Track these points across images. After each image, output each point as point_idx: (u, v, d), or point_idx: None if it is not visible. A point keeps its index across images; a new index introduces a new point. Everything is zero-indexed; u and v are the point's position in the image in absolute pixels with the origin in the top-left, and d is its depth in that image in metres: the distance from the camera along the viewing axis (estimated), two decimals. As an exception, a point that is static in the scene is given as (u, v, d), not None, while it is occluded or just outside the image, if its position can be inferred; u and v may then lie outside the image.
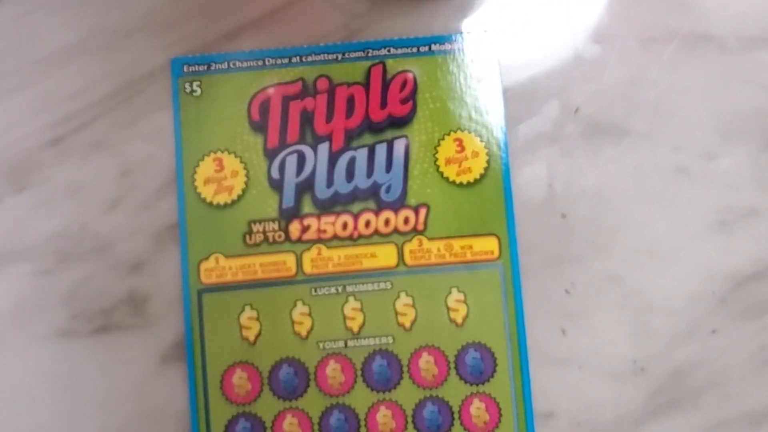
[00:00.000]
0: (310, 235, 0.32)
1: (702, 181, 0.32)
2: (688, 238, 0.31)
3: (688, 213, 0.31)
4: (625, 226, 0.31)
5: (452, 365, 0.31)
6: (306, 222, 0.32)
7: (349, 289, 0.31)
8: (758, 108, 0.31)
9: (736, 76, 0.32)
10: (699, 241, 0.31)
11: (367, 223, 0.31)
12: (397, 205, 0.31)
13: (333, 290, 0.31)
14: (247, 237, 0.32)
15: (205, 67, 0.32)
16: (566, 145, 0.32)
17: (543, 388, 0.31)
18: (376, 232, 0.31)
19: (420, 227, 0.31)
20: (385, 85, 0.31)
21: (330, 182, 0.32)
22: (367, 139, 0.31)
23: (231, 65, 0.32)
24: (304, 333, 0.31)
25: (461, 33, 0.32)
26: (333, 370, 0.31)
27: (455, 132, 0.32)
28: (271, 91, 0.32)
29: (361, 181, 0.31)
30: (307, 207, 0.32)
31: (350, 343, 0.31)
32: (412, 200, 0.31)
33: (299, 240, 0.32)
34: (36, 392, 0.32)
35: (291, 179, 0.32)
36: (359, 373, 0.31)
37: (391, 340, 0.31)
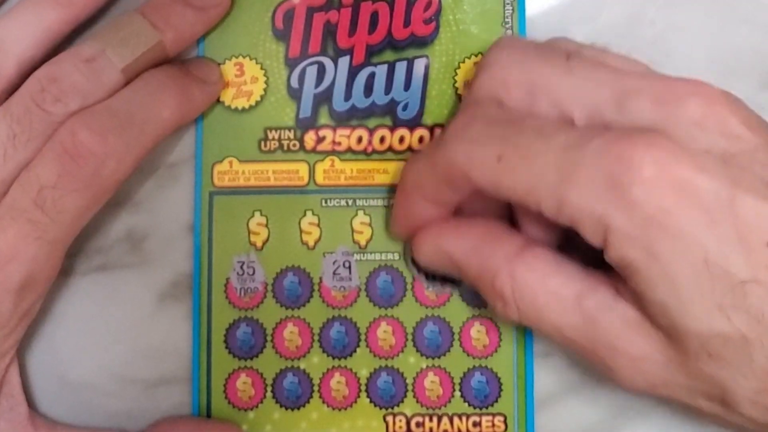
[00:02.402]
0: (324, 146, 0.32)
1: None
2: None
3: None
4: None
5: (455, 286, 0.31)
6: (321, 133, 0.32)
7: (359, 202, 0.32)
8: (756, 48, 0.32)
9: (734, 15, 0.32)
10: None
11: (382, 139, 0.32)
12: (413, 124, 0.32)
13: (343, 203, 0.32)
14: (262, 143, 0.32)
15: (232, -28, 0.32)
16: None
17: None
18: (390, 148, 0.32)
19: (434, 147, 0.32)
20: (410, 3, 0.32)
21: (348, 96, 0.32)
22: (388, 56, 0.32)
23: (258, -28, 0.32)
24: (311, 243, 0.32)
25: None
26: (337, 282, 0.31)
27: (476, 56, 0.32)
28: (296, 0, 0.32)
29: (378, 97, 0.32)
30: (324, 118, 0.32)
31: (356, 257, 0.31)
32: (428, 120, 0.32)
33: (313, 150, 0.32)
34: (32, 330, 0.32)
35: (310, 90, 0.32)
36: (363, 287, 0.31)
37: (396, 257, 0.32)
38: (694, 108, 0.24)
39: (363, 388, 0.31)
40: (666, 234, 0.23)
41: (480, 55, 0.32)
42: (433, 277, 0.31)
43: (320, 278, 0.31)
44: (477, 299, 0.31)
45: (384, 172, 0.32)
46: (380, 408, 0.31)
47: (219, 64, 0.32)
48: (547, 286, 0.26)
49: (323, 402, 0.31)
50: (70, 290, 0.32)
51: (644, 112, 0.24)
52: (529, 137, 0.25)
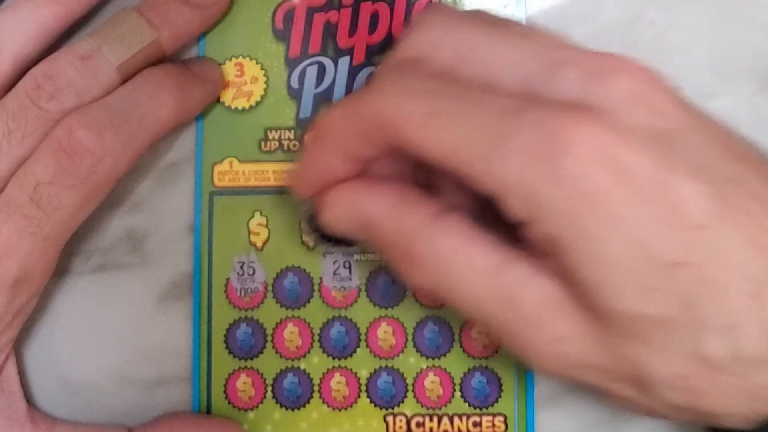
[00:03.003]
0: (324, 146, 0.32)
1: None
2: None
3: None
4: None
5: (456, 286, 0.31)
6: (322, 133, 0.32)
7: (359, 203, 0.32)
8: (756, 48, 0.31)
9: (734, 15, 0.32)
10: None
11: (382, 139, 0.32)
12: (414, 124, 0.32)
13: (344, 203, 0.32)
14: (263, 144, 0.32)
15: (232, -27, 0.32)
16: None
17: None
18: (391, 148, 0.32)
19: (434, 147, 0.32)
20: (410, 3, 0.32)
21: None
22: (389, 56, 0.32)
23: (258, -28, 0.32)
24: (311, 243, 0.32)
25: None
26: (337, 283, 0.31)
27: (476, 56, 0.32)
28: (296, 1, 0.32)
29: (379, 97, 0.32)
30: (324, 119, 0.32)
31: (357, 257, 0.31)
32: (428, 120, 0.32)
33: (314, 150, 0.32)
34: (32, 330, 0.32)
35: (310, 90, 0.32)
36: (363, 287, 0.31)
37: (397, 257, 0.31)
38: (624, 83, 0.23)
39: (363, 388, 0.31)
40: (597, 211, 0.22)
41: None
42: (325, 236, 0.30)
43: (320, 278, 0.31)
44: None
45: (384, 172, 0.32)
46: (380, 408, 0.31)
47: (220, 64, 0.32)
48: (466, 254, 0.24)
49: (323, 402, 0.31)
50: (70, 290, 0.32)
51: (575, 85, 0.23)
52: (463, 97, 0.24)
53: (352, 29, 0.32)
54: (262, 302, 0.31)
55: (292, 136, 0.32)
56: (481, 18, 0.26)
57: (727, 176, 0.23)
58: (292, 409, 0.31)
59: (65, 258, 0.32)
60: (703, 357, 0.23)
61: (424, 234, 0.25)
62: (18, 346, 0.31)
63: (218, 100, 0.32)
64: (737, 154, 0.24)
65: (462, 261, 0.24)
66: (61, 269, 0.31)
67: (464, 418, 0.31)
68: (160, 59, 0.30)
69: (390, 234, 0.25)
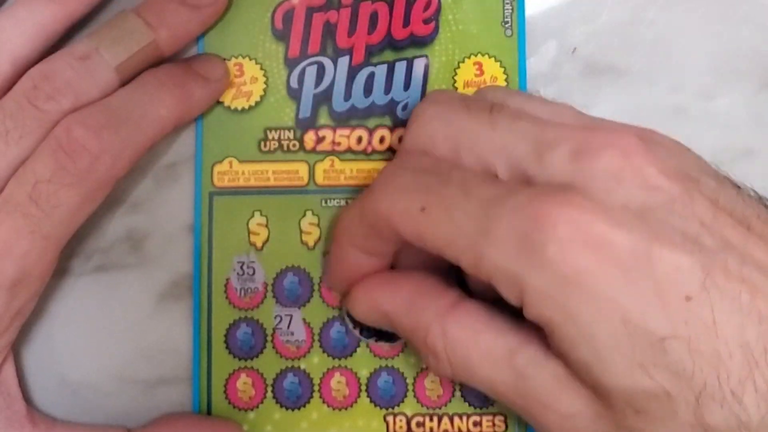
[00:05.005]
0: (324, 146, 0.32)
1: (699, 121, 0.32)
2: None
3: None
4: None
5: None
6: (321, 133, 0.32)
7: (359, 203, 0.32)
8: (756, 48, 0.31)
9: (734, 15, 0.32)
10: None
11: (382, 139, 0.32)
12: (413, 124, 0.32)
13: (343, 203, 0.32)
14: (262, 144, 0.32)
15: (231, -27, 0.32)
16: (564, 85, 0.32)
17: None
18: (390, 148, 0.32)
19: (434, 147, 0.32)
20: (410, 3, 0.32)
21: (348, 96, 0.32)
22: (388, 56, 0.32)
23: (257, -27, 0.32)
24: (311, 243, 0.32)
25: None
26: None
27: (476, 56, 0.32)
28: (295, 1, 0.32)
29: (378, 97, 0.32)
30: (324, 118, 0.32)
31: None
32: (428, 120, 0.32)
33: (313, 150, 0.32)
34: (32, 331, 0.32)
35: (309, 90, 0.32)
36: (363, 287, 0.31)
37: (396, 257, 0.31)
38: (609, 160, 0.23)
39: (363, 388, 0.31)
40: (582, 294, 0.22)
41: (480, 55, 0.32)
42: (368, 330, 0.31)
43: (320, 278, 0.31)
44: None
45: (384, 172, 0.32)
46: (380, 408, 0.31)
47: (224, 60, 0.32)
48: (478, 342, 0.25)
49: (323, 402, 0.31)
50: (70, 290, 0.32)
51: (562, 165, 0.24)
52: (452, 189, 0.24)
53: (352, 29, 0.32)
54: (262, 302, 0.31)
55: (291, 136, 0.32)
56: (475, 103, 0.27)
57: (719, 243, 0.23)
58: (293, 409, 0.31)
59: (65, 258, 0.32)
60: (706, 428, 0.22)
61: (439, 326, 0.26)
62: (18, 347, 0.31)
63: (218, 101, 0.32)
64: (736, 217, 0.24)
65: (477, 350, 0.25)
66: (61, 269, 0.31)
67: (464, 418, 0.31)
68: (158, 60, 0.30)
69: (408, 327, 0.27)
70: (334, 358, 0.31)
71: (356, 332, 0.31)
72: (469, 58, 0.32)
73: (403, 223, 0.25)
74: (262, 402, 0.31)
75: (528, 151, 0.25)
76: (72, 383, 0.32)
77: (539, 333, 0.24)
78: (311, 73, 0.32)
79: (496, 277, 0.24)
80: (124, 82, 0.29)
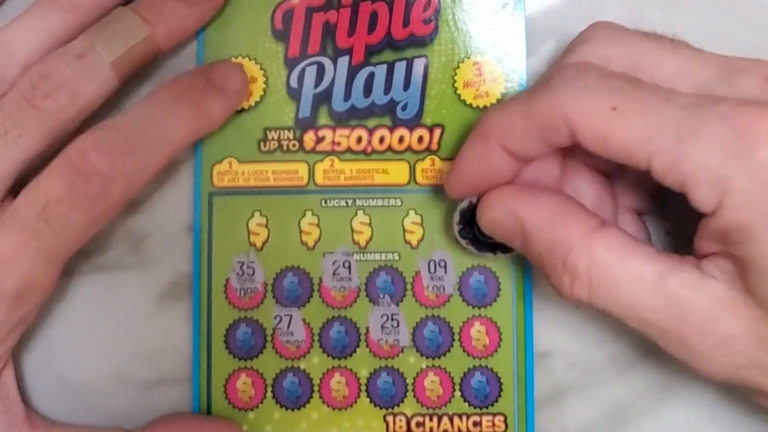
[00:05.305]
0: (324, 146, 0.32)
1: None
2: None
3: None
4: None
5: (455, 286, 0.31)
6: (321, 133, 0.32)
7: (359, 203, 0.32)
8: (756, 48, 0.31)
9: (734, 15, 0.32)
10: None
11: (382, 139, 0.32)
12: (413, 124, 0.32)
13: (343, 203, 0.32)
14: (262, 144, 0.32)
15: (231, -27, 0.32)
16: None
17: (540, 327, 0.32)
18: (390, 148, 0.32)
19: (434, 147, 0.32)
20: (409, 3, 0.32)
21: (347, 96, 0.32)
22: (387, 56, 0.32)
23: (257, -27, 0.32)
24: (311, 243, 0.32)
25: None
26: (337, 282, 0.31)
27: (475, 56, 0.32)
28: (295, 1, 0.32)
29: (378, 97, 0.32)
30: (323, 119, 0.32)
31: (356, 257, 0.31)
32: (427, 120, 0.32)
33: (313, 150, 0.32)
34: (32, 331, 0.32)
35: (309, 90, 0.32)
36: (363, 287, 0.31)
37: (397, 257, 0.32)
38: None
39: (363, 388, 0.31)
40: None
41: (479, 55, 0.32)
42: (476, 240, 0.29)
43: (320, 278, 0.31)
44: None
45: (383, 171, 0.32)
46: (380, 408, 0.31)
47: (242, 68, 0.31)
48: (626, 264, 0.25)
49: (323, 402, 0.31)
50: (70, 290, 0.32)
51: (757, 87, 0.24)
52: (648, 92, 0.24)
53: (351, 29, 0.32)
54: (262, 302, 0.31)
55: (291, 136, 0.32)
56: (650, 33, 0.27)
57: None
58: (292, 409, 0.31)
59: None
60: None
61: (584, 245, 0.25)
62: (18, 348, 0.31)
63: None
64: None
65: (624, 270, 0.25)
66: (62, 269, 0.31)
67: (464, 418, 0.31)
68: (156, 56, 0.30)
69: (548, 243, 0.26)
70: (333, 358, 0.31)
71: (463, 239, 0.30)
72: (468, 58, 0.32)
73: (589, 121, 0.24)
74: (261, 402, 0.31)
75: (716, 75, 0.25)
76: (72, 383, 0.32)
77: (689, 261, 0.25)
78: (311, 73, 0.32)
79: (695, 178, 0.23)
80: (124, 79, 0.29)
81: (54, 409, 0.32)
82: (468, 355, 0.31)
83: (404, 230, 0.32)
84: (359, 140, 0.32)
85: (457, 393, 0.31)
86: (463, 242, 0.30)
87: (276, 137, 0.32)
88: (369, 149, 0.32)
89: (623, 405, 0.32)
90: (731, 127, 0.23)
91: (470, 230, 0.29)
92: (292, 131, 0.32)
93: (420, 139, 0.32)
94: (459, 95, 0.32)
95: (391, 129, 0.32)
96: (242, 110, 0.32)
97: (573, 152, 0.28)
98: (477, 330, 0.31)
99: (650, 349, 0.31)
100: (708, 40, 0.30)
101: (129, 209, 0.32)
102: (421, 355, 0.31)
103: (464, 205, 0.29)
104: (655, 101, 0.24)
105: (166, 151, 0.28)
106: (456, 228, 0.29)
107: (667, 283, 0.25)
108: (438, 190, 0.31)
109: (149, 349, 0.32)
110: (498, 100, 0.32)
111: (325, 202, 0.32)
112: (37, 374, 0.32)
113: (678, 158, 0.23)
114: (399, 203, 0.32)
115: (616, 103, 0.24)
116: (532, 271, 0.31)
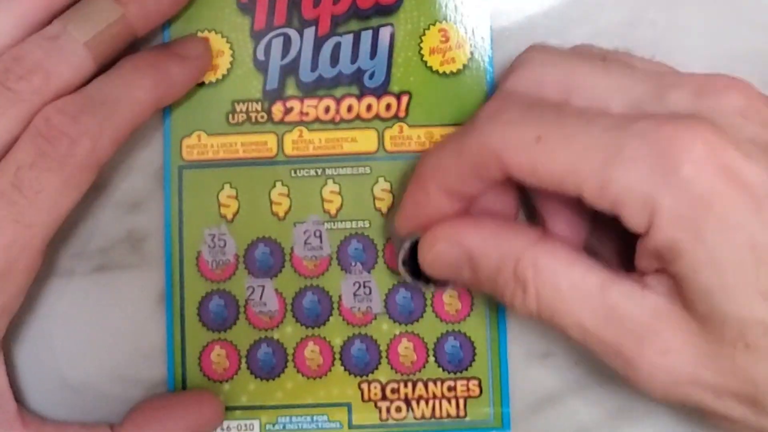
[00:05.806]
0: (292, 117, 0.32)
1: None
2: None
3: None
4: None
5: (427, 252, 0.31)
6: (289, 104, 0.32)
7: (328, 172, 0.32)
8: (756, 48, 0.31)
9: (734, 15, 0.32)
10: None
11: (350, 108, 0.32)
12: (380, 92, 0.32)
13: (312, 172, 0.32)
14: (230, 116, 0.32)
15: (194, -52, 0.32)
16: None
17: (540, 327, 0.32)
18: (358, 117, 0.32)
19: (402, 114, 0.32)
20: (374, -28, 0.32)
21: (314, 66, 0.32)
22: (353, 25, 0.32)
23: (221, -53, 0.32)
24: (281, 213, 0.32)
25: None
26: (308, 252, 0.32)
27: (441, 22, 0.32)
28: (260, -27, 0.32)
29: (345, 66, 0.32)
30: (291, 89, 0.32)
31: (327, 226, 0.32)
32: (395, 87, 0.32)
33: (281, 121, 0.32)
34: (32, 331, 0.32)
35: (276, 61, 0.32)
36: (334, 255, 0.31)
37: (367, 224, 0.32)
38: (735, 99, 0.24)
39: (337, 356, 0.31)
40: (713, 216, 0.22)
41: (444, 22, 0.32)
42: (420, 276, 0.29)
43: (291, 248, 0.32)
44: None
45: (352, 140, 0.32)
46: (355, 375, 0.31)
47: (204, 38, 0.32)
48: (570, 274, 0.25)
49: (298, 371, 0.31)
50: (70, 290, 0.32)
51: (685, 103, 0.24)
52: (570, 119, 0.24)
53: (317, 0, 0.32)
54: (234, 274, 0.31)
55: (259, 108, 0.32)
56: (585, 51, 0.27)
57: None
58: (267, 380, 0.31)
59: (65, 258, 0.32)
60: None
61: (530, 254, 0.25)
62: (17, 347, 0.31)
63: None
64: None
65: (568, 279, 0.25)
66: (60, 269, 0.32)
67: (438, 383, 0.31)
68: (132, 38, 0.30)
69: (496, 262, 0.26)
70: (307, 328, 0.31)
71: (407, 272, 0.29)
72: (434, 24, 0.32)
73: (516, 155, 0.24)
74: (236, 373, 0.31)
75: (647, 91, 0.25)
76: (71, 383, 0.32)
77: (630, 274, 0.25)
78: (277, 44, 0.32)
79: (624, 201, 0.23)
80: (100, 61, 0.29)
81: (53, 409, 0.32)
82: (441, 320, 0.31)
83: (374, 198, 0.32)
84: (327, 110, 0.32)
85: (431, 358, 0.31)
86: (409, 278, 0.29)
87: (244, 109, 0.32)
88: (337, 118, 0.32)
89: (624, 406, 0.32)
90: (652, 144, 0.23)
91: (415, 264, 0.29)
92: (260, 103, 0.32)
93: (388, 107, 0.32)
94: (425, 62, 0.32)
95: (359, 98, 0.32)
96: (210, 83, 0.32)
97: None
98: (449, 294, 0.31)
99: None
100: (708, 40, 0.30)
101: (129, 209, 0.32)
102: (394, 321, 0.31)
103: (407, 244, 0.29)
104: (578, 127, 0.24)
105: (129, 112, 0.28)
106: (402, 269, 0.29)
107: (609, 293, 0.25)
108: (407, 157, 0.31)
109: (149, 349, 0.32)
110: (464, 66, 0.32)
111: (295, 172, 0.32)
112: (37, 374, 0.32)
113: (605, 182, 0.23)
114: (368, 171, 0.32)
115: (539, 133, 0.24)
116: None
